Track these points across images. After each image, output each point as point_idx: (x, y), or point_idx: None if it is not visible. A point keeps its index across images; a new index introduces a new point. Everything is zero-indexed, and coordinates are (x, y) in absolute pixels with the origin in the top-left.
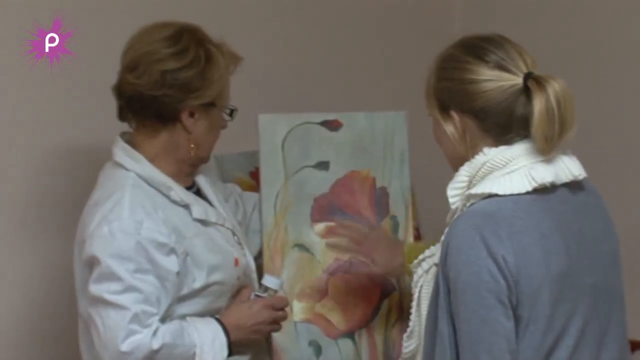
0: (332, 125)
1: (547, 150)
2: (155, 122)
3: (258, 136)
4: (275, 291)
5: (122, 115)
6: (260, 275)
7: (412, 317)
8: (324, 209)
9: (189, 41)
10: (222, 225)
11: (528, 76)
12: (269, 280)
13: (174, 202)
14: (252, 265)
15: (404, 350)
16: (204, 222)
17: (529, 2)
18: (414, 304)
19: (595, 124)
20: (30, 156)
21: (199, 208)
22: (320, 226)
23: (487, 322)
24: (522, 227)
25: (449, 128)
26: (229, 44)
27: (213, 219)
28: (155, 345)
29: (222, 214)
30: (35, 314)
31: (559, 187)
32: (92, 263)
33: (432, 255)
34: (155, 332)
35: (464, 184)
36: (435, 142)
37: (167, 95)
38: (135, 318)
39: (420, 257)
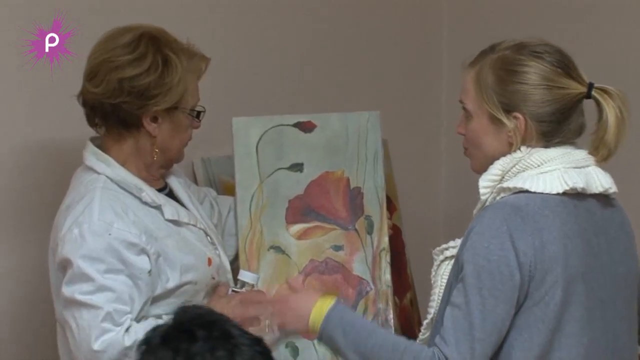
0: (305, 127)
1: (608, 157)
2: (120, 129)
3: (232, 139)
4: (252, 286)
5: (90, 122)
6: (236, 277)
7: (433, 303)
8: (298, 210)
9: (147, 47)
10: (194, 226)
11: (591, 86)
12: (245, 275)
13: (146, 203)
14: (227, 265)
15: (420, 337)
16: (176, 223)
17: (513, 10)
18: (435, 291)
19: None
20: (26, 155)
21: (170, 209)
22: (295, 228)
23: (493, 314)
24: (547, 224)
25: (511, 125)
26: (194, 45)
27: (185, 219)
28: (128, 342)
29: (194, 215)
30: (9, 317)
31: (587, 197)
32: (64, 266)
33: (456, 246)
34: (127, 330)
35: (497, 177)
36: (406, 144)
37: (126, 102)
38: (108, 317)
39: (444, 245)
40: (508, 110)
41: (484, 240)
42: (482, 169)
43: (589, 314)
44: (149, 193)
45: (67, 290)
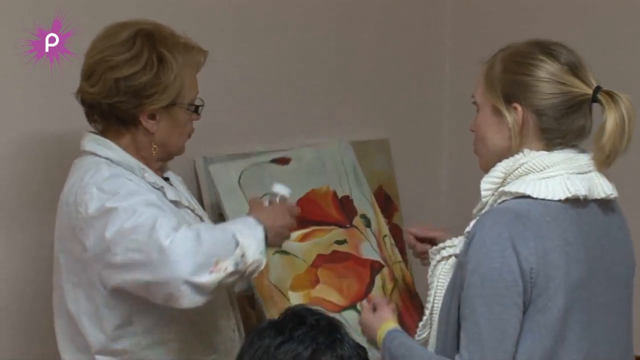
0: (281, 162)
1: (607, 164)
2: (119, 126)
3: (213, 184)
4: (286, 199)
5: (89, 119)
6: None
7: (429, 305)
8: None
9: (142, 45)
10: (193, 211)
11: (598, 89)
12: (279, 188)
13: (149, 183)
14: None
15: (417, 338)
16: (177, 204)
17: (517, 16)
18: (431, 292)
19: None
20: (26, 155)
21: (172, 190)
22: (295, 234)
23: (501, 320)
24: (548, 231)
25: (511, 118)
26: (191, 38)
27: (185, 203)
28: (192, 232)
29: (192, 204)
30: (5, 313)
31: (589, 203)
32: (98, 218)
33: (452, 245)
34: (188, 226)
35: (499, 180)
36: (407, 145)
37: (122, 101)
38: (165, 220)
39: (441, 245)
40: (509, 101)
41: (485, 248)
42: (488, 167)
43: (590, 319)
44: (152, 174)
45: (121, 224)
